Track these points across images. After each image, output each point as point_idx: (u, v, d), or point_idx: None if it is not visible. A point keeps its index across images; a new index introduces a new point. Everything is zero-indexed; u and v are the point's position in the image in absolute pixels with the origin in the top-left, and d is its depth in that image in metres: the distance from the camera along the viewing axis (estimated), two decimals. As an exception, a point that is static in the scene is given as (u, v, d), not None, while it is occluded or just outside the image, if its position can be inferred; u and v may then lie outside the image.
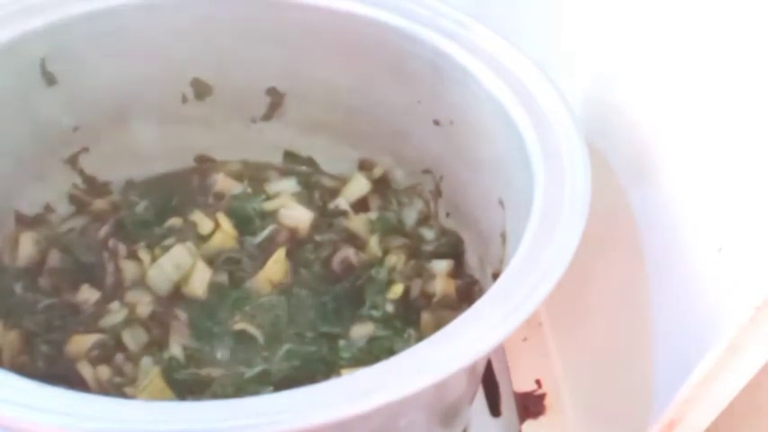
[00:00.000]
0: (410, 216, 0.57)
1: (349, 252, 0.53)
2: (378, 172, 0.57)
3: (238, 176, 0.58)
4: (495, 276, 0.45)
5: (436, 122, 0.52)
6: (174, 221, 0.54)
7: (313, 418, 0.31)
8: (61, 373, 0.46)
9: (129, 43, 0.51)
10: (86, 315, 0.49)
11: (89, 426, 0.30)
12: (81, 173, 0.56)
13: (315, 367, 0.47)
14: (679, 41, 0.41)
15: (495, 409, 0.56)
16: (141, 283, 0.51)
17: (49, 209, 0.55)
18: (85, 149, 0.55)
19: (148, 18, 0.51)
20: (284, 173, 0.59)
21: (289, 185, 0.57)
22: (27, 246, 0.52)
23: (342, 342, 0.49)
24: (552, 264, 0.37)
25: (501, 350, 0.57)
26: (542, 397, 0.54)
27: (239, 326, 0.49)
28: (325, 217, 0.55)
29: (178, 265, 0.51)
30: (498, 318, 0.35)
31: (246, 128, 0.58)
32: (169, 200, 0.56)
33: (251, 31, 0.53)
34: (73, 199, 0.56)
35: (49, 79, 0.50)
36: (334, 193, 0.57)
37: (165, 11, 0.51)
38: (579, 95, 0.49)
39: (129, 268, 0.51)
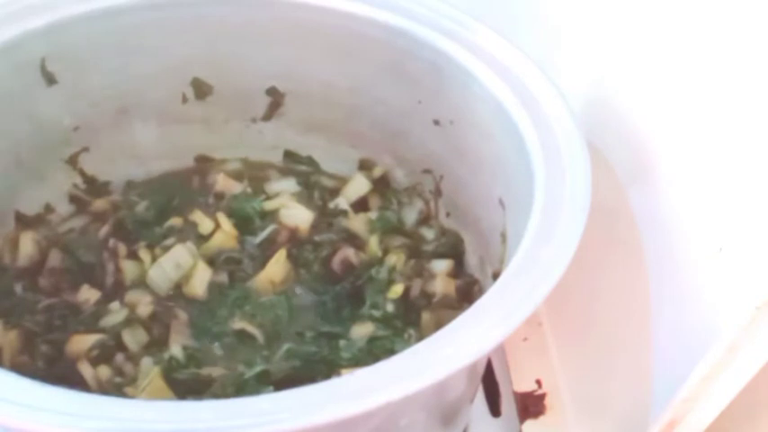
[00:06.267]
0: (410, 216, 0.57)
1: (349, 252, 0.53)
2: (378, 172, 0.57)
3: (238, 176, 0.58)
4: (495, 276, 0.45)
5: (436, 122, 0.52)
6: (175, 221, 0.54)
7: (313, 418, 0.31)
8: (61, 373, 0.46)
9: (129, 43, 0.51)
10: (86, 315, 0.49)
11: (89, 426, 0.30)
12: (81, 173, 0.56)
13: (315, 367, 0.47)
14: (678, 41, 0.41)
15: (495, 409, 0.56)
16: (141, 282, 0.51)
17: (49, 209, 0.55)
18: (85, 149, 0.55)
19: (148, 18, 0.51)
20: (284, 172, 0.59)
21: (289, 185, 0.57)
22: (27, 246, 0.52)
23: (342, 342, 0.49)
24: (552, 263, 0.37)
25: (501, 350, 0.57)
26: (542, 397, 0.54)
27: (239, 325, 0.49)
28: (325, 217, 0.55)
29: (178, 264, 0.51)
30: (498, 318, 0.35)
31: (246, 128, 0.58)
32: (169, 200, 0.56)
33: (251, 31, 0.53)
34: (73, 199, 0.56)
35: (49, 79, 0.50)
36: (334, 192, 0.57)
37: (165, 11, 0.51)
38: (579, 95, 0.49)
39: (129, 268, 0.51)
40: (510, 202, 0.46)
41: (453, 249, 0.55)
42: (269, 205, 0.55)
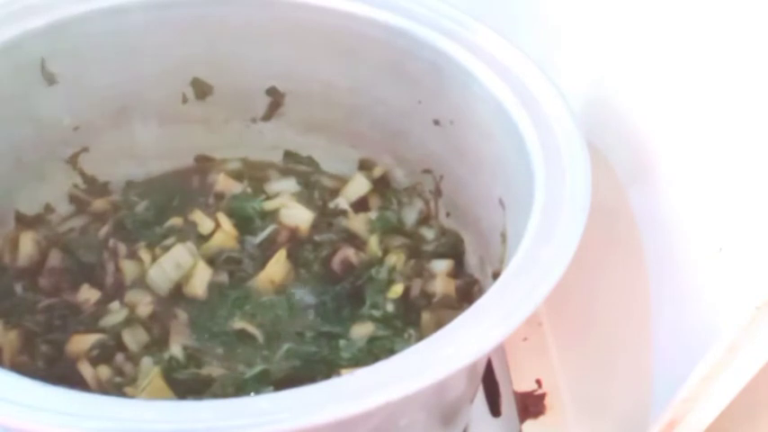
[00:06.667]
0: (410, 216, 0.57)
1: (349, 252, 0.53)
2: (378, 172, 0.57)
3: (238, 176, 0.58)
4: (495, 276, 0.45)
5: (436, 122, 0.52)
6: (175, 221, 0.54)
7: (313, 417, 0.31)
8: (61, 373, 0.46)
9: (129, 43, 0.51)
10: (86, 315, 0.49)
11: (89, 426, 0.30)
12: (81, 173, 0.56)
13: (315, 367, 0.47)
14: (678, 41, 0.41)
15: (495, 409, 0.56)
16: (141, 282, 0.51)
17: (49, 209, 0.55)
18: (85, 149, 0.55)
19: (148, 18, 0.51)
20: (284, 172, 0.59)
21: (289, 185, 0.57)
22: (27, 246, 0.52)
23: (342, 342, 0.49)
24: (552, 263, 0.37)
25: (501, 350, 0.57)
26: (542, 397, 0.54)
27: (239, 325, 0.49)
28: (325, 217, 0.55)
29: (178, 264, 0.51)
30: (498, 318, 0.34)
31: (246, 128, 0.58)
32: (169, 200, 0.56)
33: (251, 31, 0.53)
34: (73, 199, 0.56)
35: (49, 79, 0.50)
36: (334, 192, 0.57)
37: (165, 11, 0.51)
38: (579, 95, 0.49)
39: (129, 268, 0.51)
40: (510, 202, 0.46)
41: (453, 249, 0.55)
42: (269, 205, 0.55)
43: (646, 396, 0.43)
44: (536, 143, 0.42)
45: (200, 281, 0.50)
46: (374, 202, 0.57)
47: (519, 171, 0.43)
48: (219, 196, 0.56)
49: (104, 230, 0.54)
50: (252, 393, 0.45)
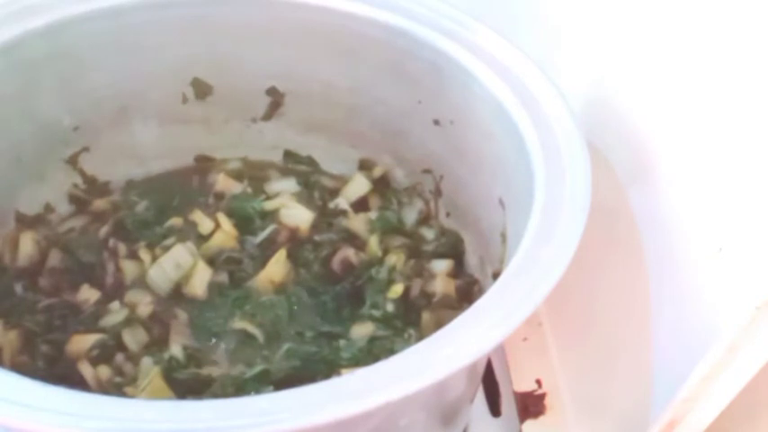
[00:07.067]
0: (410, 216, 0.57)
1: (349, 252, 0.53)
2: (378, 172, 0.57)
3: (238, 176, 0.58)
4: (496, 276, 0.45)
5: (436, 122, 0.52)
6: (175, 221, 0.54)
7: (313, 417, 0.31)
8: (61, 373, 0.46)
9: (130, 43, 0.51)
10: (86, 315, 0.50)
11: (89, 425, 0.30)
12: (81, 173, 0.56)
13: (315, 367, 0.47)
14: (678, 41, 0.41)
15: (495, 409, 0.56)
16: (141, 282, 0.51)
17: (49, 209, 0.55)
18: (85, 149, 0.55)
19: (148, 18, 0.51)
20: (284, 172, 0.59)
21: (289, 185, 0.57)
22: (27, 246, 0.52)
23: (342, 342, 0.49)
24: (552, 263, 0.37)
25: (501, 350, 0.57)
26: (542, 397, 0.54)
27: (239, 325, 0.49)
28: (325, 217, 0.55)
29: (178, 264, 0.51)
30: (498, 318, 0.35)
31: (246, 128, 0.58)
32: (169, 200, 0.56)
33: (251, 31, 0.53)
34: (73, 199, 0.56)
35: (49, 79, 0.50)
36: (334, 192, 0.57)
37: (165, 11, 0.51)
38: (579, 95, 0.49)
39: (129, 268, 0.51)
40: (510, 202, 0.46)
41: (453, 249, 0.55)
42: (269, 205, 0.55)
43: (646, 396, 0.43)
44: (536, 143, 0.42)
45: (200, 281, 0.51)
46: (374, 202, 0.57)
47: (519, 171, 0.43)
48: (219, 196, 0.56)
49: (104, 230, 0.54)
50: (252, 393, 0.45)
